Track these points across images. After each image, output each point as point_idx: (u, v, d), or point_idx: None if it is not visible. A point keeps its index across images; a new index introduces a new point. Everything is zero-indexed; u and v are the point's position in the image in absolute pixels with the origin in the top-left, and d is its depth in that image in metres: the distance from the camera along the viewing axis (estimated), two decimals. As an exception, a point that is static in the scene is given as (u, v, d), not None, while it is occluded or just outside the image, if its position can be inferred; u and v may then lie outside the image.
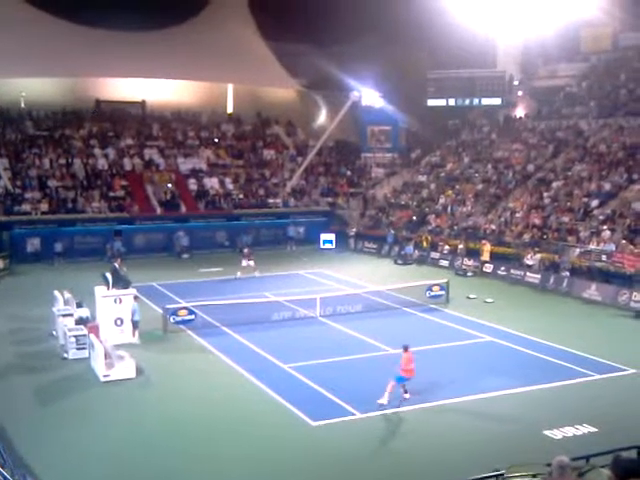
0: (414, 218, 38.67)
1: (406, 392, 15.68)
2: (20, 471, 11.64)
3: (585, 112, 40.08)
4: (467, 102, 47.54)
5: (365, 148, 49.49)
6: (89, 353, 18.82)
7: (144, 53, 39.83)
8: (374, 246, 38.21)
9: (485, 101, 46.98)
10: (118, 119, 44.45)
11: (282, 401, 15.84)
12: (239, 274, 29.73)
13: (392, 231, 37.56)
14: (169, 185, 39.76)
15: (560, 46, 43.29)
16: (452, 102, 47.84)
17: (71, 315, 20.56)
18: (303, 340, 21.00)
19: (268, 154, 45.69)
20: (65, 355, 19.18)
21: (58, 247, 34.17)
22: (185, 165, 42.39)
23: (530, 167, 37.92)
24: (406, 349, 15.79)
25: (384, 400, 15.12)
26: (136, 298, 21.12)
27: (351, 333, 21.64)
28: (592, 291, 26.56)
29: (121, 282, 21.15)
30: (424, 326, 22.84)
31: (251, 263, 30.10)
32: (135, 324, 20.70)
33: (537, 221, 32.65)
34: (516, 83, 47.19)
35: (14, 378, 17.69)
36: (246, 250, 31.05)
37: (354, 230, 39.76)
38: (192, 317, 22.26)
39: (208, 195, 40.51)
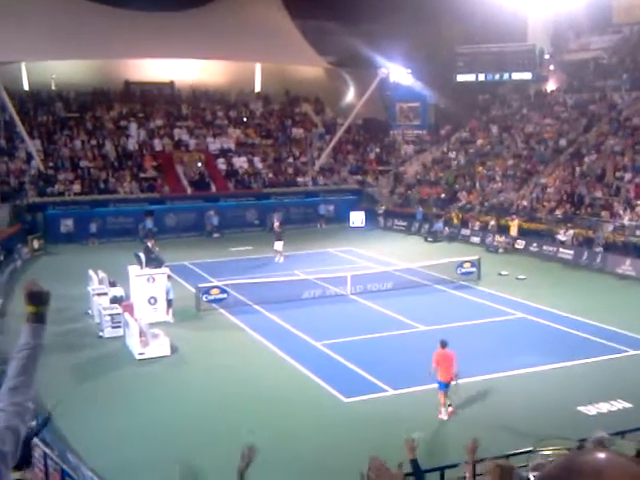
0: (443, 195, 38.43)
1: (450, 405, 13.95)
2: (61, 447, 11.95)
3: (618, 85, 39.32)
4: (497, 77, 46.88)
5: (394, 125, 49.16)
6: (124, 331, 19.13)
7: (172, 33, 39.85)
8: (404, 224, 38.06)
9: (515, 75, 46.26)
10: (147, 100, 44.65)
11: (314, 378, 15.99)
12: (280, 259, 29.40)
13: (421, 208, 37.38)
14: (199, 164, 39.94)
15: (591, 18, 42.40)
16: (482, 77, 47.21)
17: (106, 294, 20.90)
18: (334, 318, 21.10)
19: (297, 133, 45.62)
20: (101, 333, 19.52)
21: (93, 228, 34.59)
22: (214, 145, 42.52)
23: (562, 141, 37.40)
24: (443, 345, 13.93)
25: (444, 415, 13.79)
26: (169, 277, 21.37)
27: (382, 310, 21.68)
28: (626, 266, 26.25)
29: (154, 261, 21.38)
30: (455, 303, 22.79)
31: (280, 247, 29.51)
32: (169, 303, 20.96)
33: (570, 196, 32.24)
34: (547, 57, 46.39)
35: (52, 356, 17.98)
36: (277, 228, 30.36)
37: (383, 208, 39.64)
38: (224, 296, 22.46)
39: (237, 174, 40.64)
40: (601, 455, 1.11)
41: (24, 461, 8.48)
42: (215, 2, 44.88)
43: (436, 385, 13.81)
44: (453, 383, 13.75)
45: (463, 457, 7.72)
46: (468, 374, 15.83)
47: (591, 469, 1.08)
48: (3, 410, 2.33)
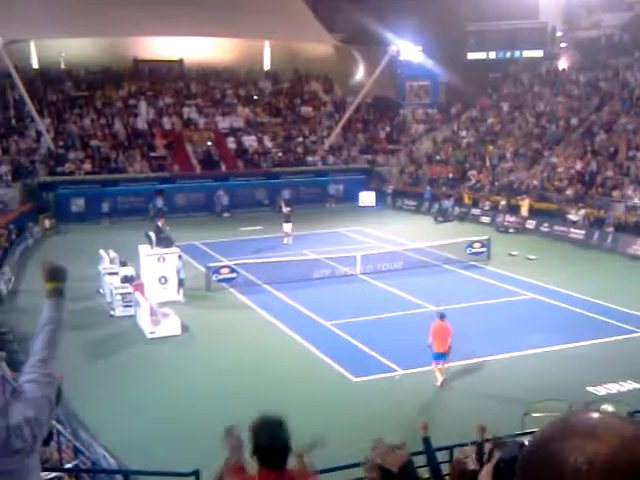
0: (450, 175, 38.26)
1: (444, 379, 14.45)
2: (73, 424, 12.09)
3: (630, 62, 38.88)
4: (508, 55, 46.43)
5: (404, 104, 48.85)
6: (135, 311, 19.26)
7: (181, 11, 39.59)
8: (413, 203, 37.96)
9: (527, 53, 45.80)
10: (156, 78, 44.53)
11: (324, 357, 16.08)
12: (289, 240, 28.95)
13: (429, 187, 37.28)
14: (209, 142, 39.86)
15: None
16: (493, 55, 46.78)
17: (116, 274, 20.99)
18: (344, 298, 21.14)
19: (306, 111, 45.42)
20: (112, 313, 19.66)
21: (105, 207, 34.71)
22: (223, 123, 42.42)
23: (574, 120, 37.09)
24: (441, 317, 14.56)
25: (438, 382, 14.37)
26: (180, 257, 21.44)
27: (392, 290, 21.71)
28: (638, 246, 26.12)
29: (164, 241, 21.45)
30: (465, 283, 22.80)
31: (288, 229, 29.12)
32: (181, 282, 21.04)
33: (581, 176, 32.05)
34: (559, 34, 45.89)
35: (63, 335, 18.18)
36: (285, 210, 29.93)
37: (391, 187, 39.53)
38: (234, 275, 22.53)
39: (247, 153, 40.57)
40: (594, 415, 1.14)
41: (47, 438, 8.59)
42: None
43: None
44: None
45: (472, 436, 7.77)
46: (478, 354, 15.89)
47: (584, 428, 1.11)
48: (37, 381, 2.44)
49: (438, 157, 41.30)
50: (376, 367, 15.43)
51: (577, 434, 1.10)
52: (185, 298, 20.99)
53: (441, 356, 14.23)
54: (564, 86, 41.16)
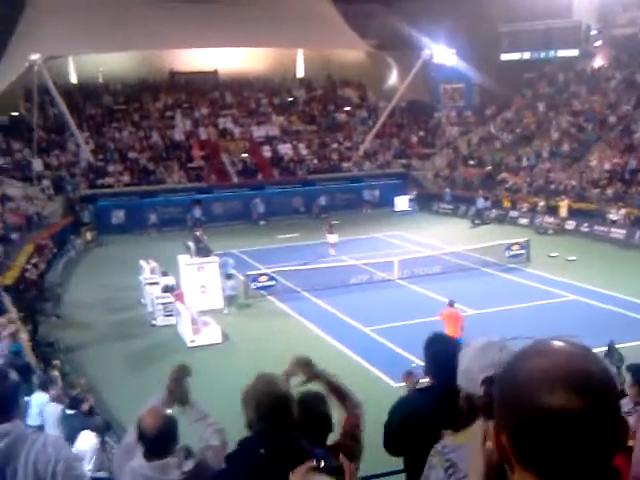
0: (485, 176, 37.98)
1: None
2: (117, 435, 12.31)
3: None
4: (542, 55, 45.96)
5: (438, 107, 48.66)
6: (176, 320, 19.53)
7: (214, 22, 40.06)
8: (450, 207, 37.78)
9: (561, 53, 45.29)
10: (192, 89, 45.11)
11: (364, 363, 16.12)
12: (332, 252, 28.24)
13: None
14: (244, 155, 40.18)
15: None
16: (527, 55, 46.34)
17: (157, 283, 21.32)
18: (382, 303, 21.13)
19: (340, 118, 45.56)
20: (154, 322, 19.96)
21: (152, 218, 35.34)
22: (259, 132, 42.77)
23: (611, 118, 36.57)
24: (451, 304, 15.63)
25: None
26: (230, 276, 21.55)
27: (430, 295, 21.63)
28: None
29: (203, 250, 21.72)
30: (505, 286, 22.63)
31: (334, 239, 28.52)
32: (229, 277, 21.27)
33: (620, 174, 31.57)
34: (594, 33, 45.27)
35: (107, 345, 18.55)
36: (328, 220, 29.78)
37: (415, 192, 39.27)
38: (272, 283, 22.70)
39: (282, 161, 40.84)
40: (551, 341, 1.30)
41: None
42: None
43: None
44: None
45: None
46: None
47: (536, 349, 1.28)
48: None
49: (472, 160, 41.04)
50: (416, 372, 15.40)
51: (527, 355, 1.28)
52: (229, 308, 21.09)
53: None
54: (600, 84, 40.63)
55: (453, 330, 14.56)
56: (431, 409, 3.54)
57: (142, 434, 3.59)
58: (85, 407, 9.92)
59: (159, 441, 3.61)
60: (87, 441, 8.78)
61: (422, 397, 3.93)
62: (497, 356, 2.39)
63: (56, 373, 14.61)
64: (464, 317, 15.14)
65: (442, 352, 3.74)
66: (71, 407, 9.22)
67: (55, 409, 9.34)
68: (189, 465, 3.65)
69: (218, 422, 3.84)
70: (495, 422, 1.31)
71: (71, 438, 8.32)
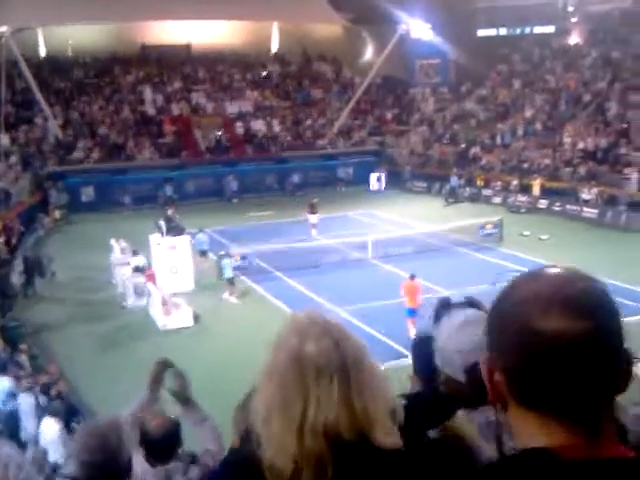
0: (458, 152, 37.90)
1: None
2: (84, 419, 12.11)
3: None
4: (519, 31, 45.80)
5: (413, 83, 48.36)
6: (147, 301, 19.26)
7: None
8: (424, 185, 37.69)
9: (537, 29, 45.15)
10: (164, 63, 44.27)
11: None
12: (314, 233, 27.57)
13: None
14: (218, 132, 39.60)
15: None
16: (503, 32, 46.17)
17: (128, 264, 20.97)
18: (356, 283, 21.03)
19: (315, 93, 45.09)
20: (124, 303, 19.68)
21: (122, 196, 34.78)
22: (232, 108, 42.20)
23: (586, 96, 36.58)
24: (412, 277, 16.66)
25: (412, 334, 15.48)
26: (224, 256, 21.17)
27: (404, 275, 21.51)
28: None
29: (174, 229, 21.40)
30: (478, 265, 22.62)
31: (315, 220, 27.94)
32: (229, 281, 20.45)
33: (593, 153, 31.66)
34: (570, 9, 45.13)
35: (77, 326, 18.25)
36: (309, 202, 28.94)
37: (409, 168, 39.13)
38: (245, 263, 22.46)
39: (256, 138, 40.38)
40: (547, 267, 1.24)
41: None
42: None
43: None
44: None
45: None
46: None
47: (530, 274, 1.23)
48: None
49: (446, 138, 40.91)
50: (391, 354, 15.32)
51: (523, 280, 1.22)
52: (196, 287, 20.87)
53: (413, 312, 16.19)
54: (575, 61, 40.60)
55: (413, 301, 16.15)
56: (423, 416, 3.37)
57: (145, 438, 3.41)
58: (53, 392, 9.66)
59: (164, 445, 3.46)
60: (50, 430, 8.53)
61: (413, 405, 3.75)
62: (478, 335, 2.17)
63: (24, 357, 14.34)
64: (421, 287, 16.71)
65: (428, 354, 3.57)
66: (44, 394, 8.95)
67: (27, 400, 9.07)
68: (194, 471, 3.53)
69: (219, 426, 3.68)
70: (487, 359, 1.21)
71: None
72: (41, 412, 8.69)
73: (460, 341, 2.15)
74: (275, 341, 1.70)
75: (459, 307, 2.34)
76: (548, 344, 1.10)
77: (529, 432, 1.16)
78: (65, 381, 13.10)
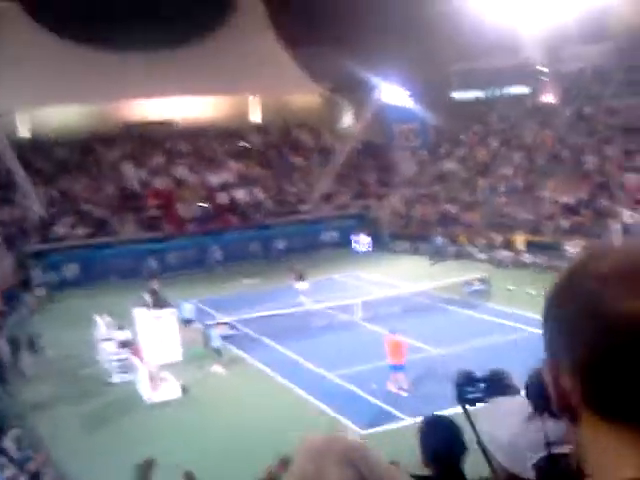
0: (440, 213, 38.13)
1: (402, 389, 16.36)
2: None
3: (617, 92, 39.16)
4: (493, 92, 46.86)
5: (393, 147, 49.06)
6: (133, 376, 18.87)
7: (167, 72, 40.19)
8: (408, 245, 37.78)
9: (512, 89, 46.22)
10: (147, 139, 44.72)
11: (329, 410, 15.69)
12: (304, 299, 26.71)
13: (440, 235, 36.25)
14: (202, 204, 39.69)
15: (584, 27, 42.30)
16: (479, 93, 47.22)
17: (112, 339, 20.63)
18: (346, 346, 20.77)
19: (296, 161, 45.60)
20: (109, 379, 19.26)
21: (107, 272, 34.46)
22: (215, 179, 42.47)
23: (564, 152, 37.18)
24: (393, 332, 16.72)
25: (393, 387, 16.44)
26: (211, 325, 20.98)
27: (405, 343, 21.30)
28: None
29: (159, 302, 21.20)
30: (467, 322, 22.50)
31: (304, 287, 27.19)
32: (217, 351, 20.07)
33: (574, 205, 31.99)
34: (543, 69, 46.30)
35: (61, 405, 17.80)
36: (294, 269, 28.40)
37: (387, 231, 39.29)
38: (233, 332, 22.19)
39: (239, 207, 40.54)
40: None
41: None
42: (206, 39, 45.19)
43: (455, 409, 13.51)
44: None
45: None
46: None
47: (596, 253, 0.97)
48: None
49: (426, 198, 41.25)
50: (384, 417, 15.06)
51: (592, 256, 0.96)
52: (184, 359, 20.53)
53: (397, 367, 16.31)
54: (551, 119, 41.41)
55: (397, 356, 16.24)
56: None
57: None
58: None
59: None
60: None
61: None
62: (547, 426, 1.91)
63: (9, 443, 13.90)
64: (405, 343, 16.83)
65: (442, 440, 3.36)
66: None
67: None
68: None
69: None
70: (550, 365, 0.93)
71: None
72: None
73: (532, 438, 1.92)
74: (290, 469, 1.53)
75: (494, 391, 2.18)
76: (633, 330, 0.84)
77: (611, 457, 0.86)
78: (53, 468, 12.63)
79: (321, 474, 1.38)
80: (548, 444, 1.85)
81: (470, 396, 2.16)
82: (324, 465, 1.40)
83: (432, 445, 3.32)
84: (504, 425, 2.01)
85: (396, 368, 16.32)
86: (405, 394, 16.25)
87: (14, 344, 21.30)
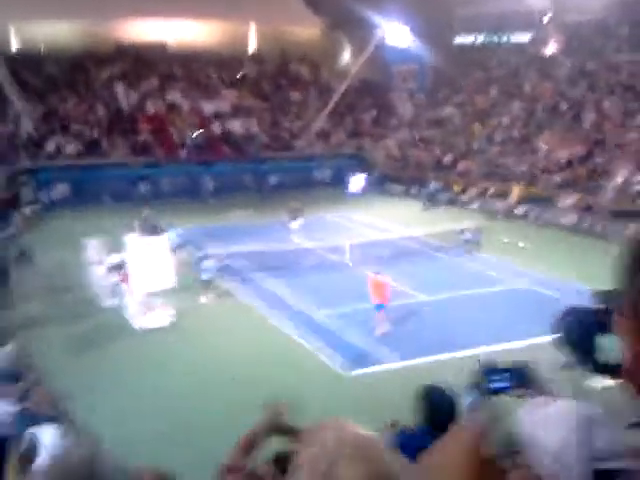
0: (435, 158, 37.93)
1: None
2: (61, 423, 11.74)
3: (618, 45, 38.68)
4: (496, 39, 46.10)
5: (391, 88, 48.40)
6: (123, 301, 18.86)
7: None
8: (402, 188, 37.68)
9: (514, 37, 45.49)
10: (139, 61, 43.73)
11: (316, 350, 15.80)
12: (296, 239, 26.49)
13: (434, 180, 36.04)
14: (195, 133, 39.08)
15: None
16: (480, 39, 46.44)
17: (102, 263, 20.51)
18: (334, 287, 20.82)
19: (292, 95, 44.88)
20: (99, 303, 19.23)
21: (97, 194, 33.98)
22: (208, 107, 41.79)
23: (562, 104, 36.87)
24: (377, 273, 17.10)
25: (380, 330, 16.62)
26: (208, 257, 20.78)
27: (388, 284, 21.39)
28: (629, 232, 26.00)
29: (150, 229, 21.05)
30: (456, 271, 22.56)
31: (297, 226, 26.96)
32: (207, 283, 19.94)
33: (570, 160, 31.90)
34: (546, 18, 45.52)
35: (50, 327, 17.77)
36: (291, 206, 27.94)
37: (377, 172, 39.09)
38: (222, 263, 22.14)
39: (233, 138, 40.04)
40: None
41: None
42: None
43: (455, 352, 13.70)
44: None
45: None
46: (471, 345, 15.65)
47: None
48: None
49: (422, 142, 40.97)
50: (370, 359, 15.20)
51: None
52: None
53: (380, 306, 16.65)
54: (552, 69, 40.93)
55: (380, 296, 16.57)
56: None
57: None
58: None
59: None
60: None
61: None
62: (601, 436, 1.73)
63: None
64: (389, 283, 17.21)
65: (439, 405, 3.44)
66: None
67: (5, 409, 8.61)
68: None
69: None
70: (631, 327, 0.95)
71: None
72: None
73: (592, 449, 1.68)
74: (299, 462, 1.41)
75: (518, 382, 2.09)
76: None
77: None
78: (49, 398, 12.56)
79: (333, 470, 1.34)
80: (601, 458, 1.73)
81: (494, 385, 2.08)
82: (337, 460, 1.36)
83: (427, 413, 3.40)
84: (551, 428, 1.86)
85: (379, 307, 16.73)
86: (386, 331, 16.63)
87: (3, 262, 21.04)
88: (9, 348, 13.33)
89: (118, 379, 14.50)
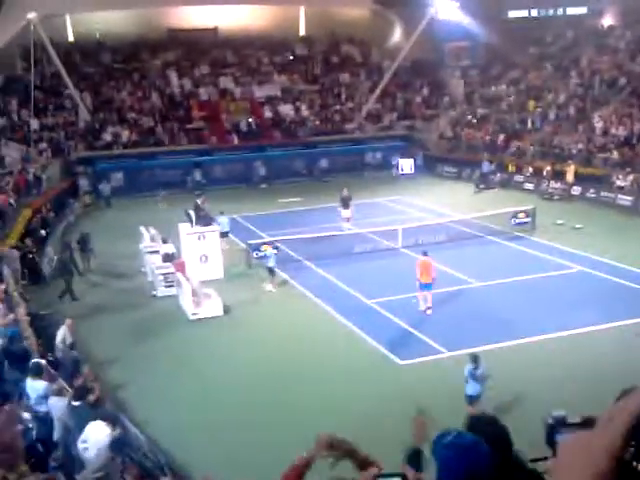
0: (488, 137, 37.19)
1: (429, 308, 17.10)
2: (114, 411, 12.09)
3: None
4: (550, 12, 44.79)
5: (443, 66, 47.63)
6: (177, 291, 19.20)
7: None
8: (454, 170, 37.21)
9: (570, 10, 44.11)
10: (191, 47, 44.05)
11: (368, 339, 15.81)
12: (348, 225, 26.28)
13: (487, 161, 35.02)
14: (249, 119, 39.30)
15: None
16: (534, 12, 45.19)
17: (157, 252, 20.88)
18: (386, 273, 20.74)
19: (342, 77, 44.63)
20: (154, 292, 19.64)
21: (152, 182, 34.45)
22: (260, 92, 41.92)
23: (621, 79, 35.71)
24: (425, 254, 17.46)
25: (423, 307, 17.21)
26: (274, 246, 21.22)
27: (434, 265, 21.23)
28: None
29: (204, 219, 21.30)
30: (510, 256, 22.27)
31: (348, 214, 26.61)
32: (270, 271, 20.01)
33: (628, 138, 30.93)
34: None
35: (106, 315, 18.25)
36: (345, 195, 27.16)
37: (431, 153, 38.60)
38: (275, 252, 22.30)
39: (284, 123, 40.12)
40: None
41: None
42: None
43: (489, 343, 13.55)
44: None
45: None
46: (524, 333, 15.46)
47: None
48: None
49: (475, 121, 40.26)
50: (422, 349, 15.12)
51: None
52: (226, 277, 20.77)
53: (426, 286, 17.03)
54: (609, 43, 39.64)
55: (427, 276, 16.95)
56: None
57: None
58: (91, 398, 9.50)
59: None
60: (101, 431, 8.12)
61: None
62: None
63: (59, 343, 14.24)
64: (434, 264, 17.36)
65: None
66: (76, 398, 8.80)
67: (58, 403, 8.95)
68: None
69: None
70: None
71: (81, 430, 7.93)
72: (76, 416, 8.56)
73: None
74: None
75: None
76: None
77: None
78: (99, 383, 12.92)
79: None
80: None
81: (561, 439, 2.01)
82: None
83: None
84: None
85: (424, 287, 17.05)
86: (430, 312, 17.03)
87: (66, 248, 21.42)
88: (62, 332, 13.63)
89: (169, 366, 14.82)
